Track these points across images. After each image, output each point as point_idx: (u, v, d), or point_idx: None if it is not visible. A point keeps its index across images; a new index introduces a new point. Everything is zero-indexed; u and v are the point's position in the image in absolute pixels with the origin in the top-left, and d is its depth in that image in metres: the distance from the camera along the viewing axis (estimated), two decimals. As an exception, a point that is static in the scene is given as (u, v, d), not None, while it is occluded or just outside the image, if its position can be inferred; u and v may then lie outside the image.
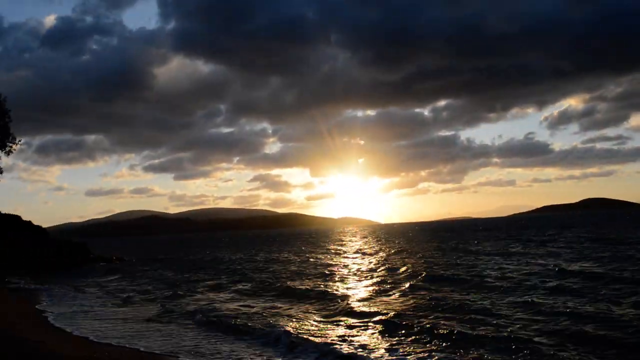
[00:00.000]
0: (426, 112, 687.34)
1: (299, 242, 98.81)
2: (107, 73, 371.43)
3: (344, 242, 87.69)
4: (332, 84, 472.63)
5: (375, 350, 14.03)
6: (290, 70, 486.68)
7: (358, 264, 41.29)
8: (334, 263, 43.03)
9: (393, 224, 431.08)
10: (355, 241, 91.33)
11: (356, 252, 56.51)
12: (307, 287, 27.72)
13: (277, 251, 68.52)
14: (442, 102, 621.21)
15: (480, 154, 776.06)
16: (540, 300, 19.08)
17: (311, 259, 48.63)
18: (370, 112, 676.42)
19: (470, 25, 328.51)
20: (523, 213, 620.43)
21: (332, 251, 61.71)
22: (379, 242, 79.66)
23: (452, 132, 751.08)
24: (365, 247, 67.92)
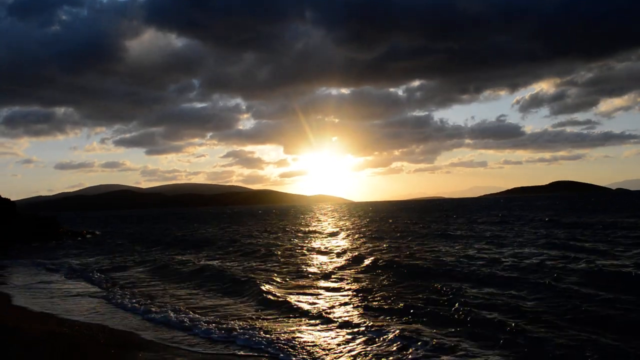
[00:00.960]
0: (400, 92, 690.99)
1: (262, 220, 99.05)
2: (77, 44, 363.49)
3: (302, 221, 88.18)
4: (306, 62, 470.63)
5: (274, 338, 13.53)
6: (264, 47, 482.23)
7: (299, 244, 41.07)
8: (276, 243, 43.01)
9: (365, 202, 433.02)
10: (314, 219, 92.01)
11: (299, 231, 56.84)
12: (230, 267, 27.50)
13: (234, 228, 68.33)
14: (415, 83, 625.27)
15: (453, 135, 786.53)
16: (445, 288, 19.36)
17: (252, 240, 48.02)
18: (345, 91, 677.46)
19: (445, 6, 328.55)
20: (494, 194, 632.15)
21: (287, 229, 61.89)
22: (337, 221, 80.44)
23: (426, 113, 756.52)
24: (318, 226, 68.42)
